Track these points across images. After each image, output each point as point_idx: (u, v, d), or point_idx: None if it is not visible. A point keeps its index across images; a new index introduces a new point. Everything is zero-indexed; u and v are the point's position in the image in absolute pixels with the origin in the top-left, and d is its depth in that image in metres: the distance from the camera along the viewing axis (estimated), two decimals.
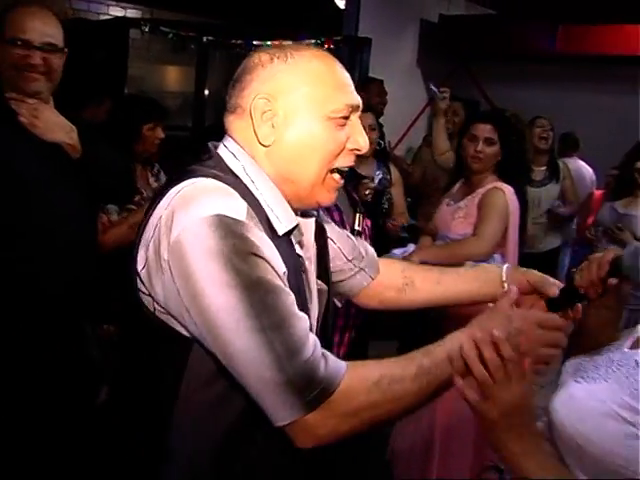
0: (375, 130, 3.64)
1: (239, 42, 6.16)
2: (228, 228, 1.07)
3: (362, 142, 1.25)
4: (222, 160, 1.23)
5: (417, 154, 5.40)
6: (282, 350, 1.05)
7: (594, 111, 5.85)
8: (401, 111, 6.17)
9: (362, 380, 1.10)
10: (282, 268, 1.14)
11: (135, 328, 1.27)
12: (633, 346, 1.31)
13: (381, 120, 4.60)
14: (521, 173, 3.17)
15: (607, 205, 4.15)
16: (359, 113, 1.26)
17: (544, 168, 4.64)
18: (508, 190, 3.06)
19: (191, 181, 1.15)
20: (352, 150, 1.25)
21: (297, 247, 1.28)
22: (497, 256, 3.02)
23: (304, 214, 1.33)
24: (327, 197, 1.27)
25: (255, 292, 1.06)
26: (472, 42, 6.43)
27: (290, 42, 6.24)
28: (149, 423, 1.23)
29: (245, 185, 1.19)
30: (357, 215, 2.53)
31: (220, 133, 3.74)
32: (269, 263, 1.10)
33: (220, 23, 6.75)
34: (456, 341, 1.15)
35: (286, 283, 1.14)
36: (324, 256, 1.41)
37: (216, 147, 1.27)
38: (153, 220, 1.16)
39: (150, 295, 1.16)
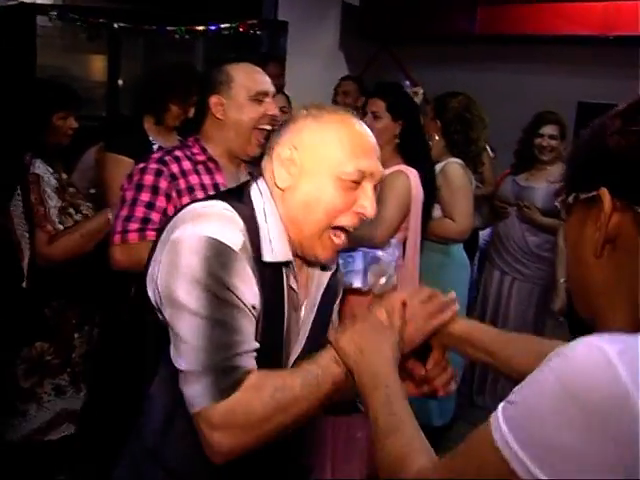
0: (288, 112, 3.54)
1: (153, 28, 5.93)
2: (218, 252, 1.23)
3: (368, 208, 1.36)
4: (249, 194, 1.38)
5: None
6: (217, 343, 1.21)
7: (514, 91, 5.89)
8: (325, 96, 6.07)
9: (258, 394, 1.21)
10: (252, 301, 1.28)
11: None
12: None
13: None
14: (419, 153, 3.04)
15: (509, 179, 4.27)
16: (374, 181, 1.37)
17: None
18: (412, 174, 2.93)
19: (211, 203, 1.33)
20: (358, 213, 1.37)
21: (293, 281, 1.39)
22: (393, 241, 2.92)
23: (323, 267, 1.48)
24: (323, 253, 1.39)
25: (217, 302, 1.22)
26: (394, 24, 6.37)
27: (203, 27, 6.09)
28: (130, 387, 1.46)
29: (256, 218, 1.34)
30: None
31: (134, 123, 3.48)
32: (237, 294, 1.25)
33: (133, 9, 6.48)
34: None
35: (253, 313, 1.29)
36: (325, 314, 1.52)
37: (255, 181, 1.42)
38: (169, 224, 1.35)
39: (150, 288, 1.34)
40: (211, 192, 2.24)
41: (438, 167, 3.39)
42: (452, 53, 6.25)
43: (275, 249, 1.34)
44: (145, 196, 2.20)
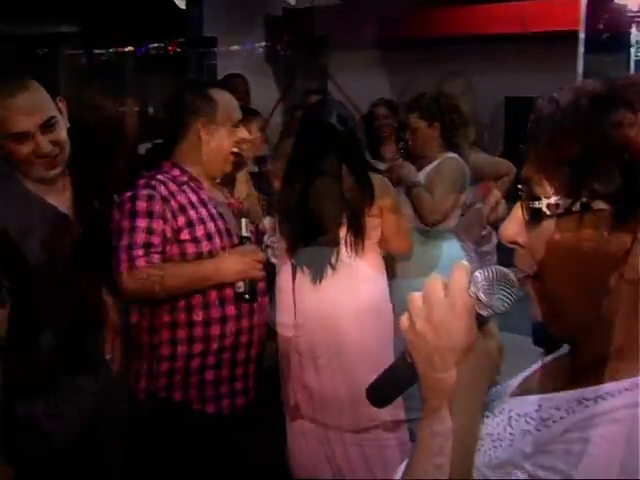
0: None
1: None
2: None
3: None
4: None
5: (277, 148, 5.31)
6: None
7: None
8: (261, 110, 6.05)
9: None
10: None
11: None
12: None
13: None
14: None
15: None
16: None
17: None
18: None
19: None
20: None
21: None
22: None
23: None
24: None
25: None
26: (318, 33, 6.43)
27: (132, 48, 5.96)
28: None
29: None
30: (243, 221, 2.38)
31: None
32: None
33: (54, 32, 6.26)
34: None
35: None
36: None
37: None
38: None
39: None
40: (201, 209, 2.27)
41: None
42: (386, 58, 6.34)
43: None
44: (142, 222, 2.15)
